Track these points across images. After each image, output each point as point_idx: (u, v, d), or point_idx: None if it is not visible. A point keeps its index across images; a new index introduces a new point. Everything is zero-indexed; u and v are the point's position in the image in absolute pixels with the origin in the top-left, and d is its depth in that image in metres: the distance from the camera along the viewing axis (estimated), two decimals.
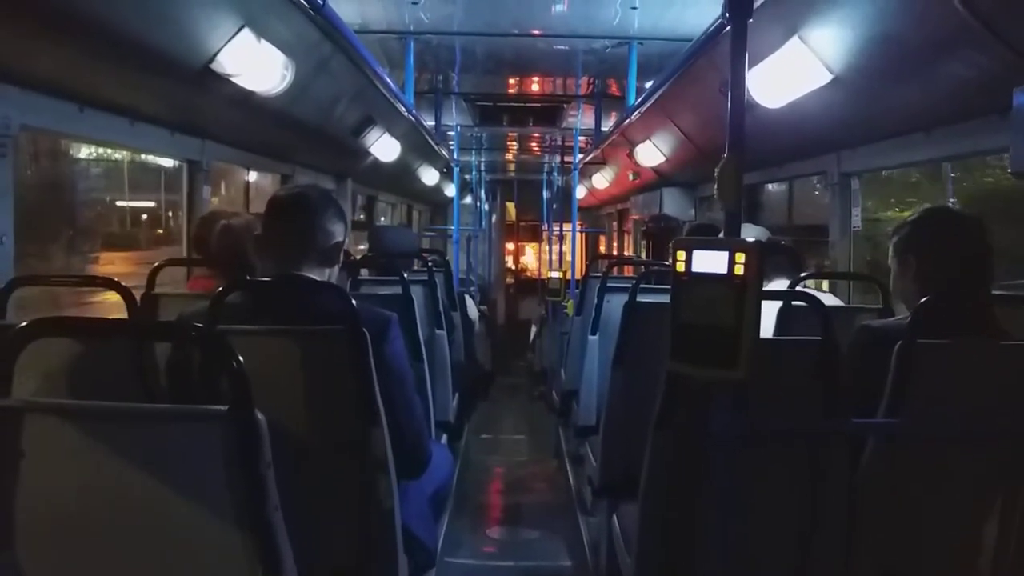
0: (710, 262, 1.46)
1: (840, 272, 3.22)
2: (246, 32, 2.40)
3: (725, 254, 1.44)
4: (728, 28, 1.56)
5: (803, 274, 2.78)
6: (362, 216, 6.93)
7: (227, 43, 2.38)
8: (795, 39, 2.39)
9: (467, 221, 10.63)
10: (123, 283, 1.78)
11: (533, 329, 9.92)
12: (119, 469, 1.00)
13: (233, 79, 2.52)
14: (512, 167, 12.23)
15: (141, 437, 1.03)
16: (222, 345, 1.01)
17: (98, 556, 1.03)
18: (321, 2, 2.34)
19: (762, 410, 1.55)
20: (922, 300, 1.64)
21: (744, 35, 1.54)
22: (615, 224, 9.90)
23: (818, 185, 3.78)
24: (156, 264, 2.38)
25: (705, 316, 1.46)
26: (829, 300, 2.73)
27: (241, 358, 1.02)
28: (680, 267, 1.50)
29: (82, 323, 1.14)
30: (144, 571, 1.03)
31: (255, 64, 2.54)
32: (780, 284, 2.70)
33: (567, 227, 8.85)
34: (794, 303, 2.27)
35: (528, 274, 13.53)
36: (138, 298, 2.11)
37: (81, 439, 1.01)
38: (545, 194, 11.22)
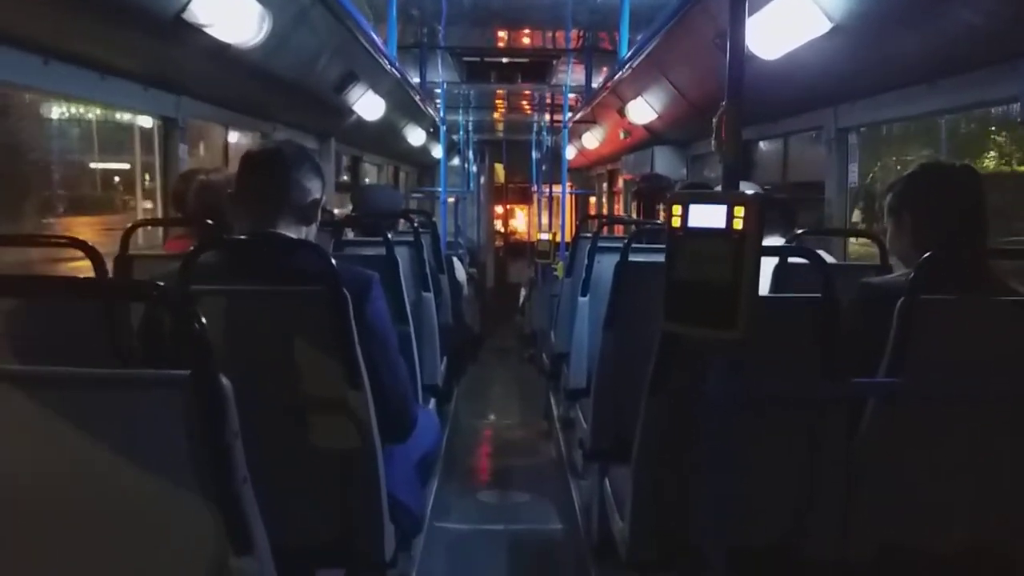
0: (707, 216, 1.39)
1: (837, 229, 3.16)
2: None
3: (723, 208, 1.36)
4: None
5: (798, 231, 2.71)
6: (346, 177, 6.80)
7: None
8: None
9: (455, 183, 10.50)
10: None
11: (523, 292, 9.87)
12: (74, 439, 0.93)
13: (206, 29, 2.41)
14: (500, 127, 12.08)
15: (98, 405, 0.95)
16: (182, 306, 0.93)
17: (52, 533, 0.96)
18: None
19: (759, 371, 1.49)
20: (924, 256, 1.58)
21: None
22: (605, 185, 9.80)
23: (815, 140, 3.69)
24: (129, 224, 2.29)
25: (701, 273, 1.39)
26: (825, 258, 2.67)
27: (205, 320, 0.94)
28: (676, 222, 1.42)
29: (33, 283, 1.06)
30: (102, 549, 0.96)
31: (229, 13, 2.43)
32: (774, 241, 2.64)
33: (557, 188, 8.74)
34: (791, 260, 2.21)
35: (517, 236, 13.45)
36: (111, 260, 2.04)
37: (32, 407, 0.94)
38: (534, 155, 11.09)
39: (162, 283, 1.01)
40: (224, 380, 0.93)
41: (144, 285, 1.03)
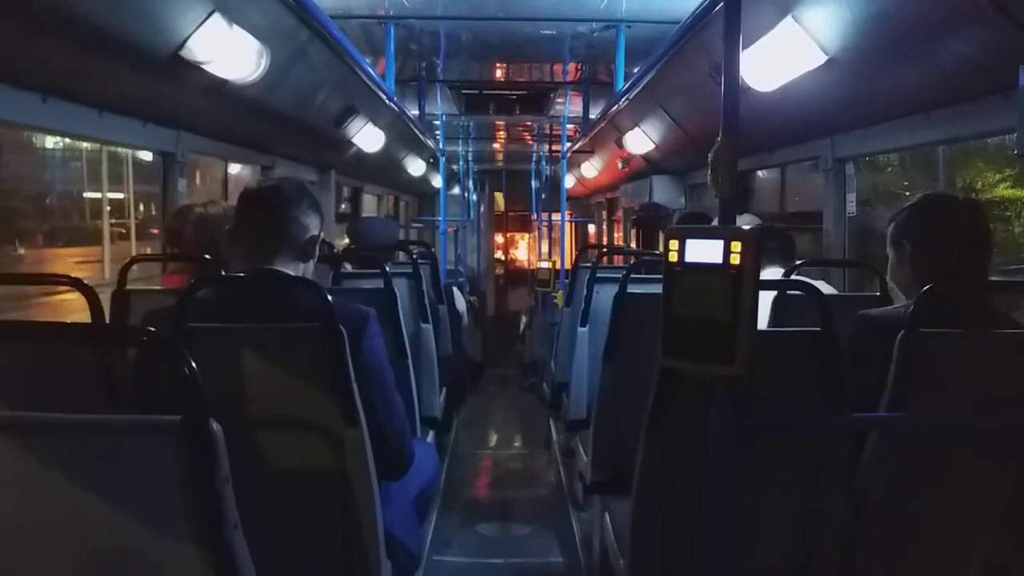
0: (704, 251, 1.39)
1: (835, 260, 3.15)
2: (217, 17, 2.30)
3: (720, 243, 1.36)
4: (720, 7, 1.49)
5: (797, 262, 2.71)
6: (344, 207, 6.81)
7: (197, 29, 2.28)
8: (789, 19, 2.31)
9: (455, 212, 10.53)
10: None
11: (523, 320, 9.86)
12: (65, 485, 0.92)
13: (205, 66, 2.42)
14: (500, 157, 12.15)
15: (89, 450, 0.94)
16: (174, 350, 0.92)
17: None
18: None
19: (759, 405, 1.48)
20: (925, 288, 1.57)
21: (738, 16, 1.46)
22: (605, 213, 9.83)
23: (812, 169, 3.70)
24: (127, 260, 2.29)
25: (699, 309, 1.39)
26: (824, 288, 2.66)
27: (199, 359, 0.93)
28: (673, 257, 1.42)
29: (28, 328, 1.05)
30: None
31: (227, 51, 2.44)
32: (774, 272, 2.63)
33: (556, 216, 8.76)
34: (790, 292, 2.20)
35: (517, 264, 13.46)
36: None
37: (21, 453, 0.92)
38: (534, 183, 11.13)
39: (159, 319, 1.00)
40: (215, 425, 0.92)
41: (137, 331, 1.02)
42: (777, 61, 2.48)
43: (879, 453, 1.57)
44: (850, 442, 1.61)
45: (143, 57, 2.26)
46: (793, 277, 2.47)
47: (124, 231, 4.01)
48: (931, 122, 2.43)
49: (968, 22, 1.78)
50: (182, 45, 2.28)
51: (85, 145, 3.61)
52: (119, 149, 3.52)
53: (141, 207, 3.79)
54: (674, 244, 1.42)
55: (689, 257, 1.40)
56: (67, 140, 3.41)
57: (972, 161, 3.29)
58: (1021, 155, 1.74)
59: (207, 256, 2.21)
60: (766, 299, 2.25)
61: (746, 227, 1.42)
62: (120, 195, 3.92)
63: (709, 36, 2.75)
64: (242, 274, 1.71)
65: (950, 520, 1.59)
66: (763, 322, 2.23)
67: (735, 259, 1.35)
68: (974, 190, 3.29)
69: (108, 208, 3.76)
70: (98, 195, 3.86)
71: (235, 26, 2.39)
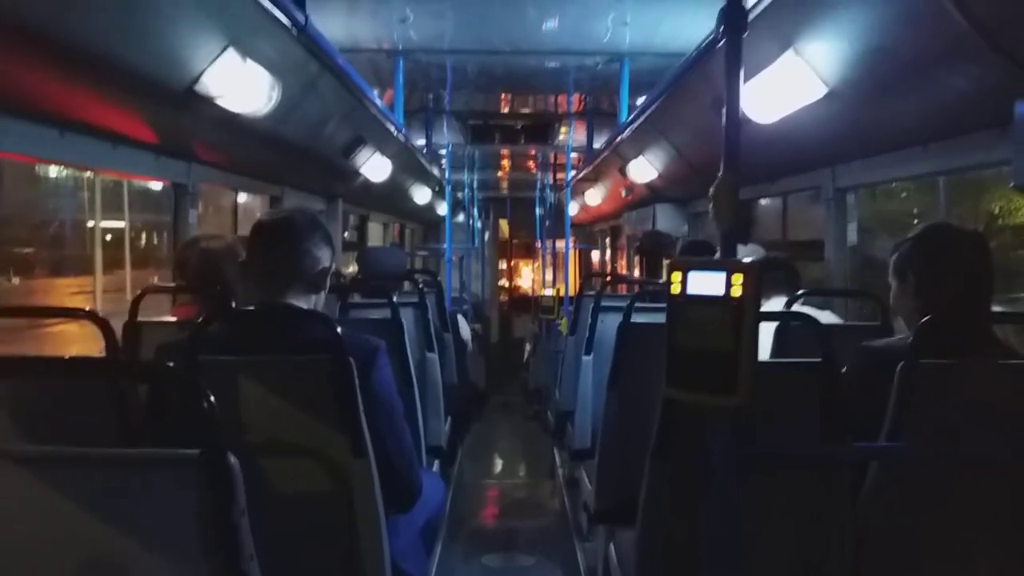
0: (706, 284, 1.41)
1: (837, 289, 3.17)
2: (231, 52, 2.35)
3: (722, 275, 1.39)
4: (722, 43, 1.52)
5: (800, 291, 2.73)
6: (346, 236, 6.86)
7: (211, 64, 2.33)
8: (790, 52, 2.35)
9: (460, 239, 10.59)
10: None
11: (527, 347, 9.86)
12: (80, 520, 0.94)
13: (218, 100, 2.48)
14: (505, 185, 12.22)
15: (104, 484, 0.96)
16: (192, 385, 0.95)
17: None
18: (303, 22, 2.30)
19: (761, 435, 1.50)
20: (924, 319, 1.59)
21: (739, 51, 1.49)
22: (608, 240, 9.87)
23: (814, 198, 3.73)
24: (139, 292, 2.33)
25: (701, 340, 1.41)
26: (827, 318, 2.68)
27: (212, 391, 0.96)
28: (676, 288, 1.45)
29: (42, 364, 1.08)
30: None
31: (240, 85, 2.49)
32: (777, 301, 2.66)
33: (560, 243, 8.81)
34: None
35: (522, 291, 13.49)
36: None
37: (41, 487, 0.95)
38: (538, 211, 11.20)
39: (171, 352, 1.03)
40: (232, 459, 0.94)
41: (153, 367, 1.05)
42: (779, 93, 2.52)
43: (880, 482, 1.59)
44: (852, 471, 1.63)
45: (158, 92, 2.31)
46: (797, 306, 2.49)
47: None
48: (929, 154, 2.46)
49: (965, 58, 1.82)
50: (197, 80, 2.34)
51: (88, 174, 3.63)
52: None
53: (145, 236, 3.81)
54: (677, 276, 1.44)
55: (691, 289, 1.43)
56: (70, 170, 3.43)
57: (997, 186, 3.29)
58: (1017, 187, 1.77)
59: (212, 287, 2.24)
60: (769, 328, 2.28)
61: (749, 258, 1.45)
62: (122, 224, 3.93)
63: (712, 68, 2.80)
64: (253, 308, 1.74)
65: (951, 547, 1.60)
66: (765, 351, 2.26)
67: (736, 291, 1.37)
68: (995, 215, 3.31)
69: (102, 238, 3.75)
70: (104, 224, 3.87)
71: (249, 60, 2.45)
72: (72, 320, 1.78)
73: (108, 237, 3.95)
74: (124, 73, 2.12)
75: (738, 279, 1.38)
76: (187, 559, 0.94)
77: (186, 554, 0.94)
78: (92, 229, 3.89)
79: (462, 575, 3.51)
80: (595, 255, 11.59)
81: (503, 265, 13.59)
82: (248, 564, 0.95)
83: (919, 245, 1.84)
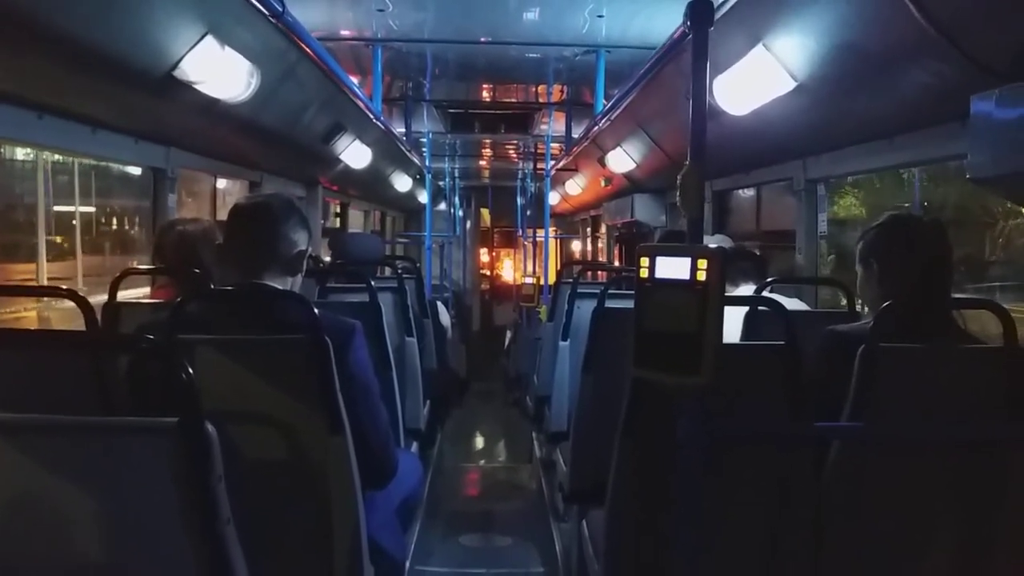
0: (673, 268, 1.47)
1: (806, 277, 3.25)
2: (209, 39, 2.37)
3: (687, 260, 1.45)
4: (689, 37, 1.58)
5: (768, 279, 2.80)
6: (325, 223, 6.85)
7: (190, 50, 2.35)
8: (760, 47, 2.41)
9: (441, 227, 10.60)
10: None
11: (508, 334, 9.92)
12: (62, 485, 0.98)
13: (197, 86, 2.49)
14: (486, 174, 12.24)
15: (85, 451, 1.00)
16: (172, 356, 0.99)
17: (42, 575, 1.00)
18: (280, 9, 2.32)
19: (728, 415, 1.55)
20: (884, 305, 1.66)
21: (705, 44, 1.55)
22: (589, 230, 9.93)
23: (787, 189, 3.81)
24: (119, 273, 2.34)
25: (668, 322, 1.47)
26: (794, 305, 2.75)
27: (191, 369, 1.00)
28: (644, 273, 1.50)
29: (24, 336, 1.11)
30: None
31: (219, 71, 2.50)
32: (747, 289, 2.72)
33: (541, 233, 8.86)
34: (760, 308, 2.28)
35: (502, 280, 13.54)
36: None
37: (20, 454, 0.98)
38: (519, 200, 11.23)
39: (151, 331, 1.07)
40: (209, 427, 0.98)
41: (135, 339, 1.09)
42: (750, 86, 2.58)
43: (842, 461, 1.65)
44: (815, 451, 1.69)
45: (137, 77, 2.33)
46: (765, 294, 2.56)
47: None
48: (895, 146, 2.53)
49: (925, 54, 1.88)
50: (175, 66, 2.35)
51: (56, 157, 3.56)
52: (82, 161, 3.51)
53: (115, 221, 3.76)
54: (645, 261, 1.50)
55: (659, 273, 1.49)
56: (24, 150, 3.34)
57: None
58: (974, 180, 1.84)
59: (196, 271, 2.27)
60: (738, 315, 2.33)
61: (714, 246, 1.51)
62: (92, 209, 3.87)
63: (684, 61, 2.85)
64: (231, 288, 1.78)
65: (909, 525, 1.66)
66: (735, 337, 2.32)
67: (701, 275, 1.43)
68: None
69: (45, 224, 3.64)
70: (70, 208, 3.79)
71: (227, 47, 2.46)
72: (53, 298, 1.80)
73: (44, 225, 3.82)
74: (103, 57, 2.13)
75: (703, 264, 1.44)
76: (166, 523, 0.98)
77: (166, 519, 0.98)
78: (64, 214, 3.82)
79: (440, 554, 3.57)
80: (576, 245, 11.65)
81: (484, 256, 13.62)
82: (225, 528, 1.00)
83: (882, 234, 1.91)
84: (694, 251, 1.45)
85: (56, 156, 3.29)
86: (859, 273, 1.97)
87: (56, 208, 3.77)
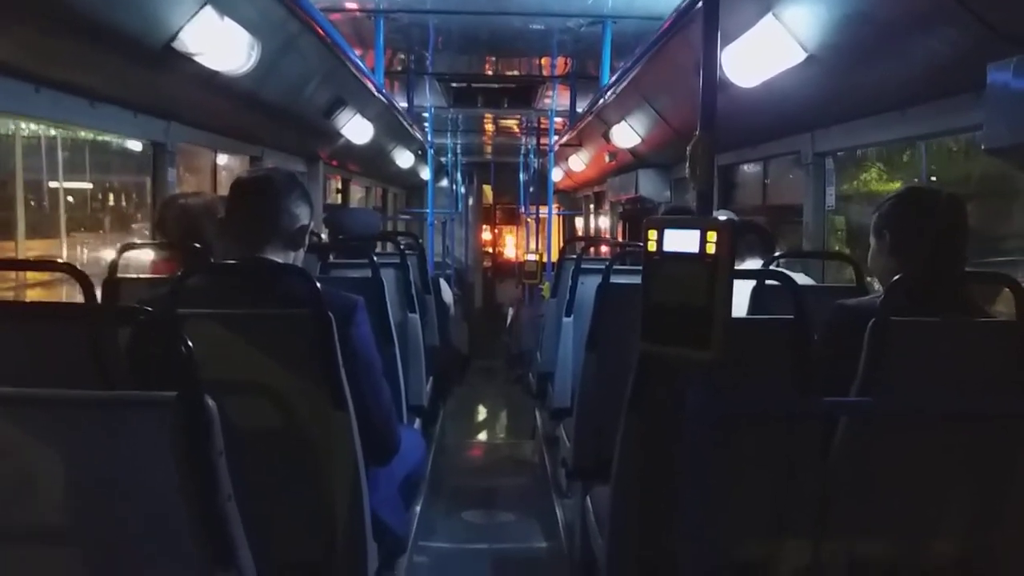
0: (681, 241, 1.44)
1: (813, 251, 3.22)
2: (208, 9, 2.32)
3: (696, 233, 1.41)
4: (700, 6, 1.53)
5: (776, 254, 2.77)
6: (326, 199, 6.81)
7: (189, 21, 2.31)
8: (769, 16, 2.36)
9: (444, 204, 10.56)
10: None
11: (510, 312, 9.91)
12: (62, 458, 0.96)
13: (196, 58, 2.45)
14: (488, 149, 12.17)
15: (86, 425, 0.98)
16: (171, 329, 0.97)
17: (41, 550, 0.99)
18: None
19: (735, 390, 1.53)
20: (895, 278, 1.63)
21: (716, 13, 1.50)
22: (592, 206, 9.88)
23: (794, 163, 3.76)
24: (118, 247, 2.32)
25: (676, 296, 1.44)
26: (802, 280, 2.72)
27: (192, 343, 0.98)
28: (651, 246, 1.47)
29: (24, 308, 1.09)
30: (89, 566, 0.99)
31: (219, 43, 2.46)
32: (753, 264, 2.69)
33: (544, 209, 8.81)
34: (767, 282, 2.26)
35: (505, 258, 13.51)
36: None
37: (18, 428, 0.97)
38: (522, 176, 11.17)
39: (152, 306, 1.04)
40: (209, 401, 0.96)
41: (134, 310, 1.06)
42: (759, 57, 2.53)
43: (850, 437, 1.63)
44: (823, 426, 1.67)
45: (135, 48, 2.29)
46: (772, 268, 2.53)
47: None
48: (907, 118, 2.49)
49: (940, 22, 1.84)
50: (174, 37, 2.31)
51: (52, 131, 3.51)
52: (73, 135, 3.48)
53: (112, 197, 3.71)
54: (653, 234, 1.47)
55: (667, 246, 1.46)
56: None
57: None
58: (989, 151, 1.80)
59: (197, 245, 2.24)
60: (745, 289, 2.31)
61: (723, 218, 1.47)
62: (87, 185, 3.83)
63: (693, 32, 2.80)
64: (233, 262, 1.75)
65: (917, 502, 1.65)
66: (742, 312, 2.29)
67: (711, 248, 1.40)
68: None
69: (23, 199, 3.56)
70: (63, 185, 3.75)
71: (226, 18, 2.42)
72: (51, 271, 1.77)
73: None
74: (100, 28, 2.09)
75: (713, 236, 1.41)
76: (165, 498, 0.96)
77: (164, 493, 0.96)
78: (56, 191, 3.76)
79: (443, 530, 3.57)
80: (579, 221, 11.60)
81: (487, 231, 13.58)
82: (225, 503, 0.98)
83: (897, 205, 1.88)
84: (703, 223, 1.42)
85: (33, 126, 3.24)
86: (872, 244, 1.94)
87: (51, 184, 3.72)
